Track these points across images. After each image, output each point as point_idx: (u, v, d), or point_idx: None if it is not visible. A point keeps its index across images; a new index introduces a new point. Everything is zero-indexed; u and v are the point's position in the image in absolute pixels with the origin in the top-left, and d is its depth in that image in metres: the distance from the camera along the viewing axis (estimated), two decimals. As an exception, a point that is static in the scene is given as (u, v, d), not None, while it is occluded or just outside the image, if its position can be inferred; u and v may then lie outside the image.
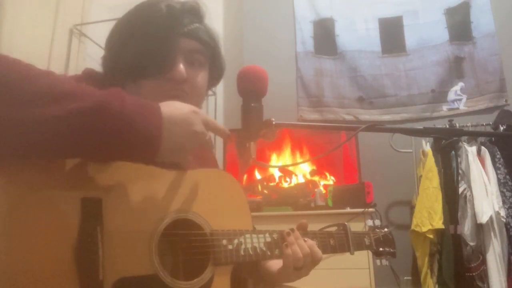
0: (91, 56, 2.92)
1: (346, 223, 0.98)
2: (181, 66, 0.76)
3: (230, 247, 0.74)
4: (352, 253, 0.96)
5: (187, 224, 0.71)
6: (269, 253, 0.80)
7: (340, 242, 0.94)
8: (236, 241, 0.76)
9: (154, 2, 0.79)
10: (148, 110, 0.58)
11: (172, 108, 0.61)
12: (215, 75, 0.89)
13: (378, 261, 1.06)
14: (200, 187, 0.76)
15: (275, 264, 0.87)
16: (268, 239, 0.81)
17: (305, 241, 0.83)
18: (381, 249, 1.05)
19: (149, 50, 0.74)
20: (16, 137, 0.51)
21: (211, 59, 0.84)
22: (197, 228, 0.72)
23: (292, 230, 0.84)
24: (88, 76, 0.78)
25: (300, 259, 0.79)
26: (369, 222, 1.06)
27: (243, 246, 0.76)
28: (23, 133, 0.50)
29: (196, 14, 0.81)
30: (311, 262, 0.82)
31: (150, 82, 0.75)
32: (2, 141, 0.50)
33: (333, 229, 0.98)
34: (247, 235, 0.78)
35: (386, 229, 1.08)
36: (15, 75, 0.52)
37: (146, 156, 0.59)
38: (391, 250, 1.07)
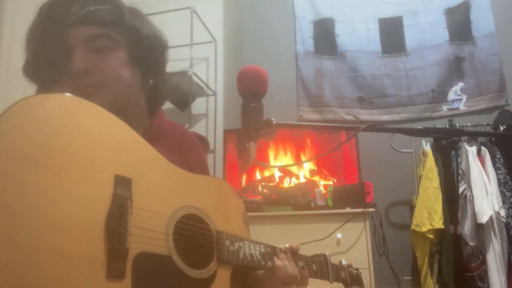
0: (91, 56, 2.93)
1: (326, 254, 1.05)
2: (77, 57, 0.70)
3: (232, 248, 0.79)
4: (331, 282, 1.03)
5: (198, 219, 0.76)
6: (263, 263, 0.85)
7: (321, 269, 1.00)
8: (237, 244, 0.81)
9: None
10: None
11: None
12: (143, 56, 0.79)
13: None
14: (211, 191, 0.83)
15: (262, 272, 0.93)
16: (263, 250, 0.87)
17: (301, 267, 0.90)
18: (354, 286, 1.12)
19: (43, 55, 0.71)
20: None
21: (128, 39, 0.76)
22: (204, 224, 0.77)
23: (286, 251, 0.89)
24: None
25: (289, 275, 0.85)
26: (343, 261, 1.14)
27: (242, 250, 0.81)
28: None
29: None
30: (298, 284, 0.88)
31: (61, 86, 0.70)
32: None
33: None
34: (246, 242, 0.84)
35: (358, 270, 1.17)
36: None
37: None
38: None
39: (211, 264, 0.75)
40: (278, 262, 0.86)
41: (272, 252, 0.88)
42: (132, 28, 0.77)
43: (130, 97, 0.78)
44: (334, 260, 1.08)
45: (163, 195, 0.70)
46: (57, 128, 0.57)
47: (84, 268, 0.54)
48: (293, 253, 0.91)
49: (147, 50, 0.80)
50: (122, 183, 0.61)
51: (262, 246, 0.87)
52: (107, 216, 0.58)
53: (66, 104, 0.60)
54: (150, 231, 0.65)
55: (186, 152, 0.93)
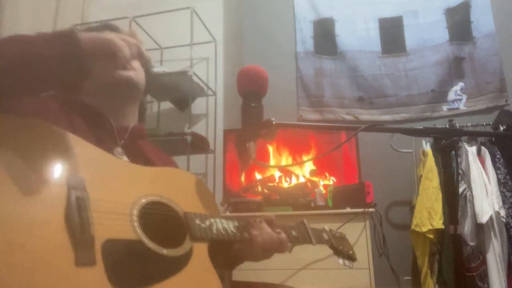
0: (91, 56, 2.92)
1: (304, 220, 1.06)
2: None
3: (203, 225, 0.81)
4: (314, 244, 1.03)
5: (162, 205, 0.78)
6: (238, 235, 0.88)
7: (301, 235, 1.02)
8: (208, 222, 0.83)
9: None
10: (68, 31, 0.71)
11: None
12: (147, 82, 1.05)
13: (340, 261, 1.10)
14: (170, 181, 0.85)
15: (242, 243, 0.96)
16: (237, 224, 0.89)
17: (278, 232, 0.93)
18: (341, 247, 1.11)
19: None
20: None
21: (144, 66, 1.03)
22: (170, 210, 0.79)
23: (260, 221, 0.94)
24: None
25: (267, 241, 0.90)
26: (326, 228, 1.14)
27: (215, 226, 0.83)
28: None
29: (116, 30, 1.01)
30: (278, 247, 0.92)
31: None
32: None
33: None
34: (217, 219, 0.85)
35: (341, 232, 1.17)
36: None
37: (72, 46, 0.68)
38: (350, 251, 1.13)
39: (184, 243, 0.76)
40: (254, 231, 0.90)
41: (247, 223, 0.92)
42: (147, 61, 1.00)
43: (140, 92, 1.01)
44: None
45: (121, 188, 0.73)
46: (11, 146, 0.63)
47: (53, 260, 0.57)
48: (268, 222, 0.95)
49: (148, 82, 1.05)
50: (76, 181, 0.66)
51: (235, 221, 0.90)
52: (65, 209, 0.62)
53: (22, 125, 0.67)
54: (114, 219, 0.68)
55: (164, 154, 1.09)
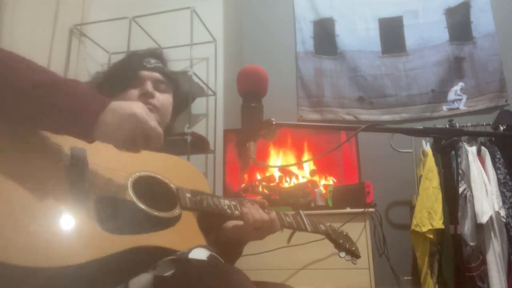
0: (91, 56, 2.92)
1: (299, 210, 1.08)
2: (149, 84, 1.05)
3: (193, 199, 0.85)
4: (309, 231, 1.04)
5: (156, 180, 0.84)
6: (229, 211, 0.90)
7: (296, 221, 1.04)
8: (199, 196, 0.86)
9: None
10: (98, 96, 0.72)
11: (121, 103, 0.73)
12: (179, 102, 1.17)
13: (342, 254, 1.09)
14: (167, 163, 0.92)
15: (233, 222, 1.01)
16: (228, 202, 0.92)
17: (268, 212, 0.96)
18: (341, 241, 1.10)
19: (127, 74, 1.07)
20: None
21: (174, 90, 1.14)
22: (164, 184, 0.85)
23: (252, 202, 0.98)
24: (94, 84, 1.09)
25: (258, 220, 0.92)
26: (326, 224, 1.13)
27: (205, 201, 0.87)
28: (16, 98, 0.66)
29: (159, 57, 1.15)
30: (269, 227, 0.95)
31: (128, 92, 1.03)
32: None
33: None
34: (209, 196, 0.89)
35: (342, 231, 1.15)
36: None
37: (86, 125, 0.69)
38: (353, 247, 1.11)
39: (175, 209, 0.81)
40: (245, 209, 0.93)
41: (239, 203, 0.95)
42: (178, 85, 1.17)
43: (163, 123, 1.08)
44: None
45: (120, 161, 0.79)
46: None
47: (53, 204, 0.65)
48: (260, 206, 0.98)
49: (180, 102, 1.18)
50: (77, 149, 0.74)
51: (226, 199, 0.93)
52: (65, 169, 0.70)
53: None
54: (108, 182, 0.75)
55: None
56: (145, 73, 1.07)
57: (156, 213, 0.76)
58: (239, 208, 0.93)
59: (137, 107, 0.73)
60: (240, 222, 0.94)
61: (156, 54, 1.16)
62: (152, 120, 0.74)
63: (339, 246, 1.09)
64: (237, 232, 0.99)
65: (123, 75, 1.07)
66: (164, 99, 1.08)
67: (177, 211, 0.81)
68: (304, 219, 1.06)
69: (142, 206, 0.75)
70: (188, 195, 0.85)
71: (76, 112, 0.68)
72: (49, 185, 0.67)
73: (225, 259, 0.99)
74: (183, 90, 1.20)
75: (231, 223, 1.02)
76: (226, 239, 1.01)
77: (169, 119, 1.12)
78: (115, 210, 0.72)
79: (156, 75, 1.09)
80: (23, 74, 0.68)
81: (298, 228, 1.03)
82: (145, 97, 1.03)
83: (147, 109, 0.75)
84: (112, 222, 0.69)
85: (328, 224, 1.13)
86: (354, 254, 1.11)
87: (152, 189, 0.82)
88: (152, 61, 1.12)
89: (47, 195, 0.65)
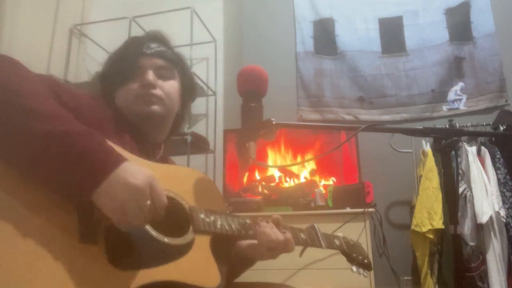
0: (91, 56, 2.92)
1: (314, 224, 1.04)
2: (150, 73, 0.96)
3: (207, 220, 0.82)
4: (324, 248, 1.02)
5: (169, 199, 0.77)
6: (243, 232, 0.88)
7: (310, 237, 1.01)
8: (212, 217, 0.83)
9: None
10: (107, 157, 0.66)
11: (129, 170, 0.67)
12: (188, 85, 1.08)
13: (354, 268, 1.08)
14: (180, 177, 0.87)
15: (247, 242, 0.97)
16: (242, 221, 0.89)
17: (283, 232, 0.92)
18: (354, 254, 1.08)
19: (126, 66, 0.97)
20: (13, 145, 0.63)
21: (180, 74, 1.04)
22: (177, 203, 0.80)
23: (267, 220, 0.94)
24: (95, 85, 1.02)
25: (273, 240, 0.89)
26: (341, 235, 1.11)
27: (219, 222, 0.84)
28: (16, 142, 0.62)
29: (161, 40, 1.04)
30: (284, 247, 0.92)
31: (128, 87, 0.95)
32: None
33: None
34: (222, 215, 0.86)
35: (357, 242, 1.13)
36: (13, 88, 0.65)
37: (85, 187, 0.64)
38: (365, 260, 1.09)
39: (187, 233, 0.77)
40: (260, 229, 0.90)
41: (253, 221, 0.92)
42: (184, 68, 1.07)
43: (171, 113, 1.03)
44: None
45: None
46: None
47: (57, 236, 0.62)
48: (275, 223, 0.95)
49: (188, 86, 1.08)
50: None
51: (240, 218, 0.89)
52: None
53: None
54: None
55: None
56: (145, 61, 0.98)
57: (167, 241, 0.73)
58: (253, 227, 0.90)
59: (143, 178, 0.67)
60: (254, 241, 0.92)
61: (158, 36, 1.05)
62: (160, 195, 0.69)
63: (352, 260, 1.08)
64: (250, 251, 0.97)
65: (121, 67, 0.98)
66: (168, 86, 0.99)
67: (190, 236, 0.78)
68: (319, 234, 1.03)
69: (154, 233, 0.72)
70: (202, 215, 0.82)
71: (78, 171, 0.63)
72: (57, 224, 0.63)
73: (232, 274, 0.97)
74: (189, 73, 1.10)
75: (245, 242, 0.99)
76: (237, 255, 0.99)
77: (178, 107, 1.04)
78: (126, 242, 0.68)
79: (158, 61, 0.99)
80: (38, 119, 0.63)
81: (312, 244, 1.01)
82: (146, 88, 0.95)
83: (154, 179, 0.70)
84: (124, 256, 0.67)
85: (342, 236, 1.11)
86: (366, 267, 1.10)
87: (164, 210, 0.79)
88: (153, 45, 1.00)
89: (54, 237, 0.62)
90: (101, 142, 0.68)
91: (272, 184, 2.54)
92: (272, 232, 0.90)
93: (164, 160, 1.02)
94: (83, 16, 2.86)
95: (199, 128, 3.10)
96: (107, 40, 2.92)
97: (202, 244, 0.79)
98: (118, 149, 0.72)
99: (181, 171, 0.89)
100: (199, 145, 2.81)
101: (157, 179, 0.71)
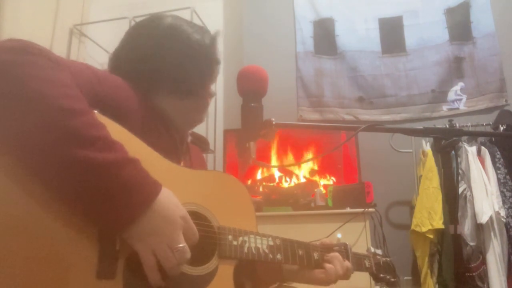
0: (91, 56, 2.92)
1: (347, 243, 1.01)
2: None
3: (235, 243, 0.78)
4: (351, 272, 0.99)
5: (196, 216, 0.74)
6: (271, 256, 0.83)
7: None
8: (241, 238, 0.79)
9: (189, 29, 0.92)
10: (148, 189, 0.63)
11: (171, 202, 0.65)
12: None
13: (378, 286, 1.06)
14: (210, 186, 0.81)
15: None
16: (271, 243, 0.84)
17: (344, 260, 0.92)
18: (381, 275, 1.07)
19: (198, 74, 0.89)
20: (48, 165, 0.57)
21: None
22: (205, 221, 0.76)
23: (335, 249, 0.93)
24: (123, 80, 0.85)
25: (341, 276, 0.89)
26: (371, 249, 1.08)
27: (247, 245, 0.80)
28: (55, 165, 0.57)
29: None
30: (342, 278, 0.92)
31: (188, 106, 0.91)
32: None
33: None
34: (251, 236, 0.81)
35: (387, 258, 1.11)
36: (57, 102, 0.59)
37: (121, 219, 0.60)
38: (392, 279, 1.09)
39: (211, 261, 0.74)
40: (329, 265, 0.89)
41: (320, 252, 0.89)
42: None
43: None
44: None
45: None
46: None
47: (76, 270, 0.58)
48: (340, 252, 0.94)
49: None
50: None
51: (270, 238, 0.84)
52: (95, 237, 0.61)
53: None
54: None
55: (200, 154, 1.14)
56: (218, 69, 0.94)
57: (188, 271, 0.70)
58: (282, 251, 0.85)
59: (180, 221, 0.65)
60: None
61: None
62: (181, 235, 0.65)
63: (378, 279, 1.07)
64: (298, 276, 0.94)
65: (204, 79, 0.90)
66: None
67: (214, 263, 0.74)
68: (349, 255, 0.99)
69: None
70: (230, 237, 0.77)
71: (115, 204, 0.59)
72: (75, 253, 0.59)
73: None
74: None
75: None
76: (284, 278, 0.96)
77: None
78: (145, 275, 0.64)
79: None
80: (80, 144, 0.58)
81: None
82: (207, 104, 0.94)
83: (186, 224, 0.67)
84: (139, 286, 0.64)
85: (373, 252, 1.08)
86: (393, 285, 1.09)
87: None
88: (218, 49, 0.95)
89: (70, 267, 0.58)
90: (137, 174, 0.63)
91: (272, 184, 2.55)
92: (341, 266, 0.90)
93: (187, 148, 1.03)
94: (83, 16, 2.86)
95: (199, 128, 3.10)
96: (107, 40, 2.92)
97: (225, 274, 0.76)
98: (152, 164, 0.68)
99: (214, 177, 0.84)
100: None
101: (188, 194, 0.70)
